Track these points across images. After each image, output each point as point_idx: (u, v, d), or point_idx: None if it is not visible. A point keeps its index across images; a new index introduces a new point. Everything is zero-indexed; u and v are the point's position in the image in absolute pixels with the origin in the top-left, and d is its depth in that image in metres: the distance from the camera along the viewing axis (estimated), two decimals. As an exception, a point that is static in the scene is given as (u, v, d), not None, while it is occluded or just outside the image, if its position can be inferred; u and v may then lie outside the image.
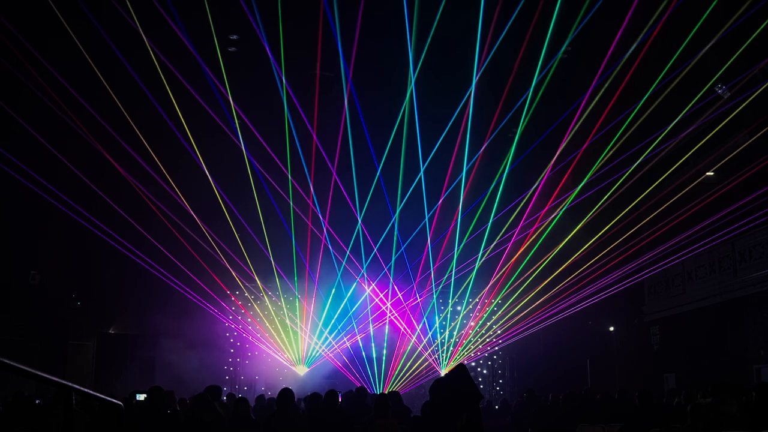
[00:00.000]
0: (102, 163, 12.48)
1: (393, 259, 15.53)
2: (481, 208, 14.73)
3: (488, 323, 17.86)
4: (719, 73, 11.18)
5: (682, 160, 13.26)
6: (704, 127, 12.54)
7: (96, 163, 12.66)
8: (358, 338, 16.85)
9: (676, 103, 11.71)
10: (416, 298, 16.99)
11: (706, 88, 11.49)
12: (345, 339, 16.89)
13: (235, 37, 12.29)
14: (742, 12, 9.51)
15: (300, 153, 13.58)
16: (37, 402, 10.08)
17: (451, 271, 15.93)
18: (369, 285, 16.48)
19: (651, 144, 12.42)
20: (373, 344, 17.15)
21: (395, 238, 15.16)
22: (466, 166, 13.65)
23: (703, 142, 12.49)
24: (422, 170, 13.77)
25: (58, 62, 10.61)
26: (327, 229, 14.87)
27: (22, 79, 10.58)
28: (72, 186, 12.46)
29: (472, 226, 15.16)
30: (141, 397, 9.16)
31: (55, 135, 11.95)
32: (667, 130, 12.04)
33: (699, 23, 9.90)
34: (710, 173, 15.03)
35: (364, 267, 15.77)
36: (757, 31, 9.70)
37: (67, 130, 11.47)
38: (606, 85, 11.54)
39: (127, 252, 13.66)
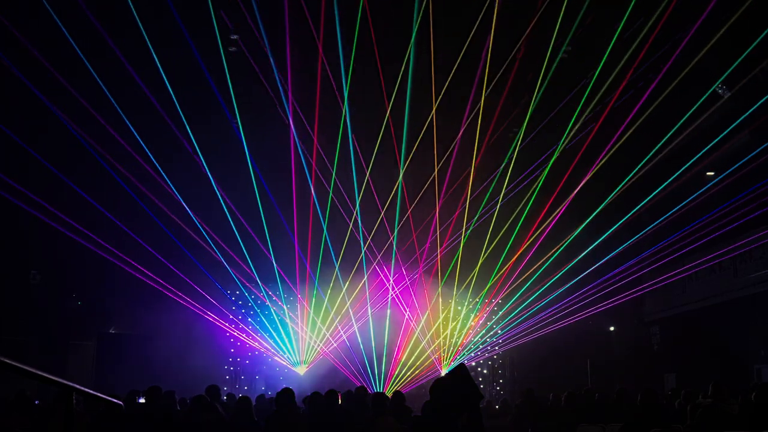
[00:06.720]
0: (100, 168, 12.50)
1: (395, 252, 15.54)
2: (484, 202, 14.74)
3: (489, 323, 17.83)
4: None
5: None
6: (704, 127, 12.51)
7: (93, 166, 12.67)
8: (357, 334, 16.79)
9: (677, 102, 11.70)
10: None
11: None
12: (343, 335, 16.86)
13: (235, 37, 12.27)
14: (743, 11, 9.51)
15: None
16: (36, 402, 10.05)
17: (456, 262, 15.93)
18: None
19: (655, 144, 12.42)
20: (373, 340, 17.07)
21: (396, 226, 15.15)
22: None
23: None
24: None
25: (61, 66, 10.62)
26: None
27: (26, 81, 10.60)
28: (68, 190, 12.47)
29: (474, 222, 15.16)
30: (143, 400, 9.10)
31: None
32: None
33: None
34: (710, 173, 15.00)
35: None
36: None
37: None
38: (604, 87, 11.55)
39: (125, 253, 13.67)
